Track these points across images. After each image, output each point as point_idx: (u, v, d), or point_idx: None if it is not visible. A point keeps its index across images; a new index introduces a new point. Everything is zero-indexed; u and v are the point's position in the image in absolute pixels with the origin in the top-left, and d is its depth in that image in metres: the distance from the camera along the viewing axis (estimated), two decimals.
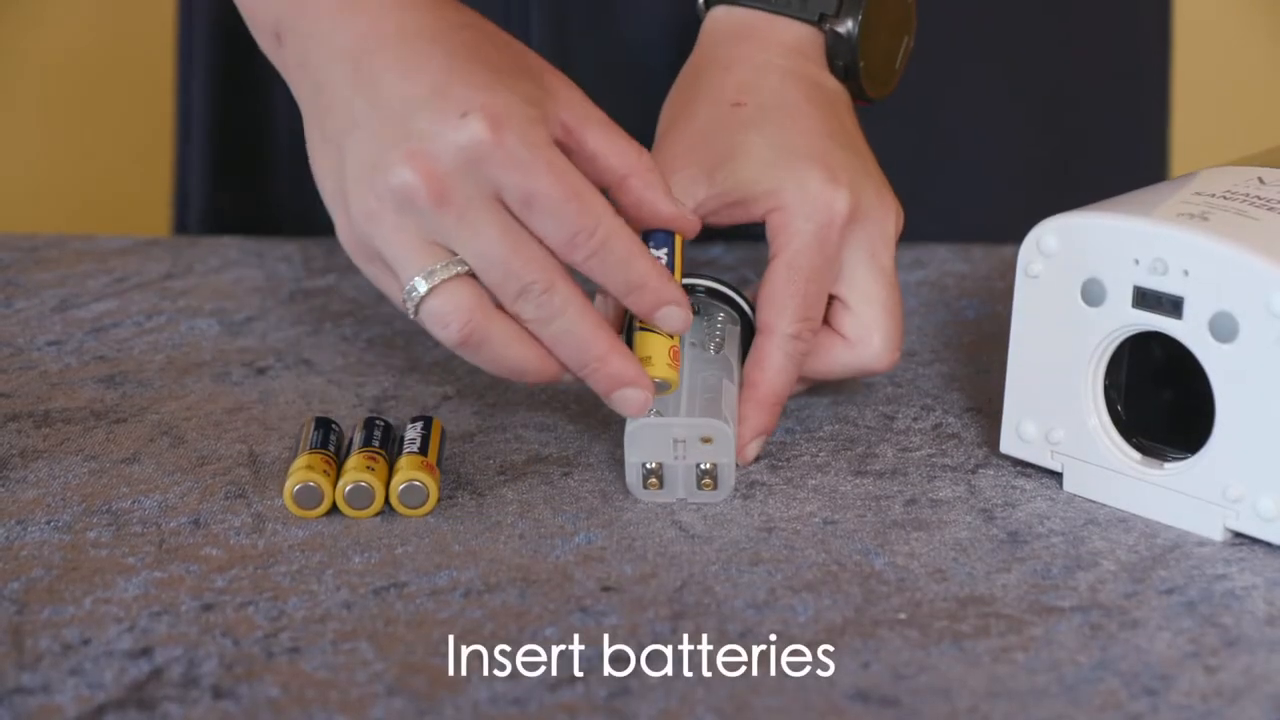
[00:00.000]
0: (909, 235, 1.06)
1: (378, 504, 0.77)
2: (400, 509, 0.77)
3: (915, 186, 1.09)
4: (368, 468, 0.77)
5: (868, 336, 0.83)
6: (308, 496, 0.77)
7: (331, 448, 0.80)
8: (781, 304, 0.81)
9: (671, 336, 0.79)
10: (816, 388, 0.89)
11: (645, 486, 0.79)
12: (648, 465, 0.78)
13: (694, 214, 0.81)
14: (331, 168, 0.77)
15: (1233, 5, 2.08)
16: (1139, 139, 1.17)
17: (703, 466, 0.78)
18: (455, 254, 0.75)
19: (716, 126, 0.84)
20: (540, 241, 0.75)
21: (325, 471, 0.77)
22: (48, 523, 0.77)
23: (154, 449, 0.83)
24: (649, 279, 0.77)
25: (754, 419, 0.81)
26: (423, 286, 0.75)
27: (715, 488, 0.79)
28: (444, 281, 0.75)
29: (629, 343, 0.79)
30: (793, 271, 0.82)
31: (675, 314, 0.78)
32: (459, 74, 0.75)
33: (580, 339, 0.76)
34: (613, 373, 0.77)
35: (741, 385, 0.82)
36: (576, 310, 0.76)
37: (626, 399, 0.77)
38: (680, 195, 0.83)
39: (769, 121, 0.84)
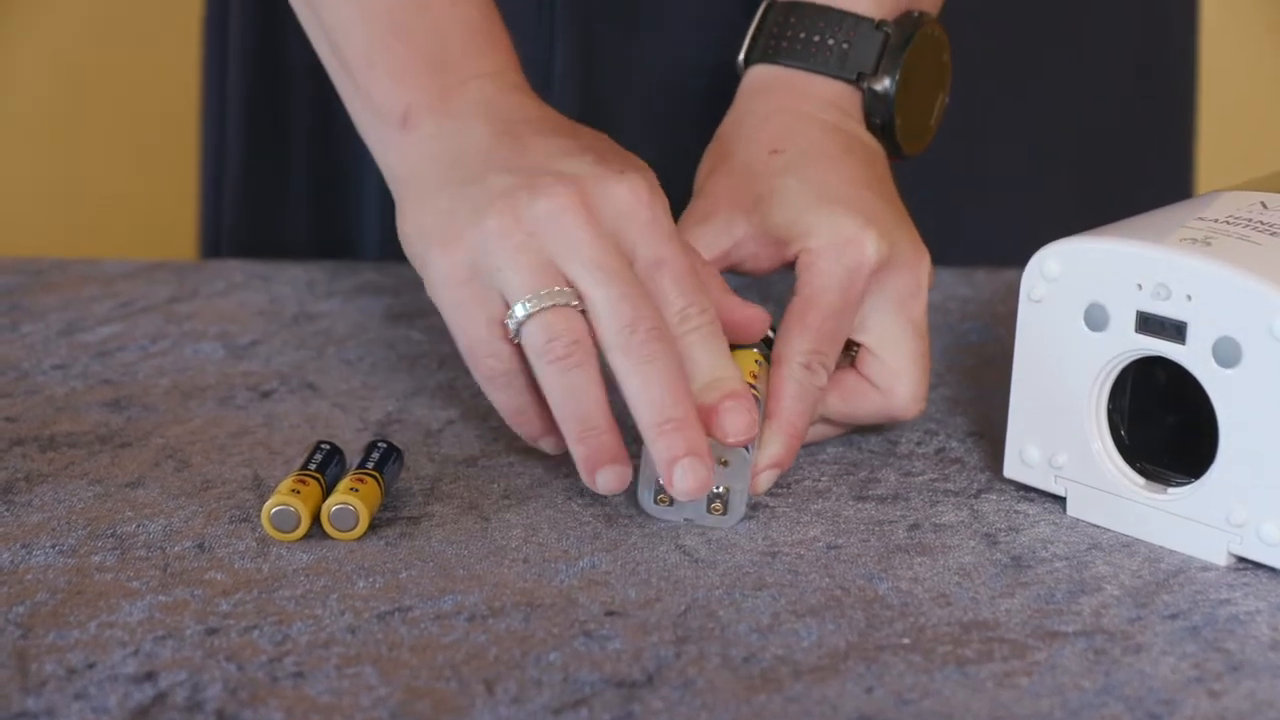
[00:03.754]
0: (943, 260, 1.06)
1: (361, 525, 0.77)
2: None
3: (943, 215, 1.10)
4: (351, 489, 0.78)
5: (894, 385, 0.84)
6: (284, 520, 0.77)
7: (314, 467, 0.80)
8: (796, 336, 0.82)
9: (755, 356, 0.81)
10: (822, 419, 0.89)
11: (655, 502, 0.79)
12: (661, 479, 0.78)
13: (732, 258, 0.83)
14: (447, 206, 0.79)
15: (1259, 30, 2.08)
16: (1164, 167, 1.17)
17: (715, 489, 0.78)
18: (571, 288, 0.76)
19: (754, 171, 0.85)
20: None
21: (295, 491, 0.77)
22: (52, 546, 0.77)
23: (159, 473, 0.83)
24: (728, 376, 0.77)
25: (769, 449, 0.81)
26: (533, 305, 0.76)
27: (724, 513, 0.79)
28: (558, 306, 0.76)
29: None
30: (810, 307, 0.82)
31: (737, 410, 0.76)
32: (609, 147, 0.80)
33: (671, 388, 0.75)
34: (688, 440, 0.75)
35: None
36: (674, 361, 0.76)
37: (686, 470, 0.75)
38: (719, 236, 0.84)
39: (807, 167, 0.85)
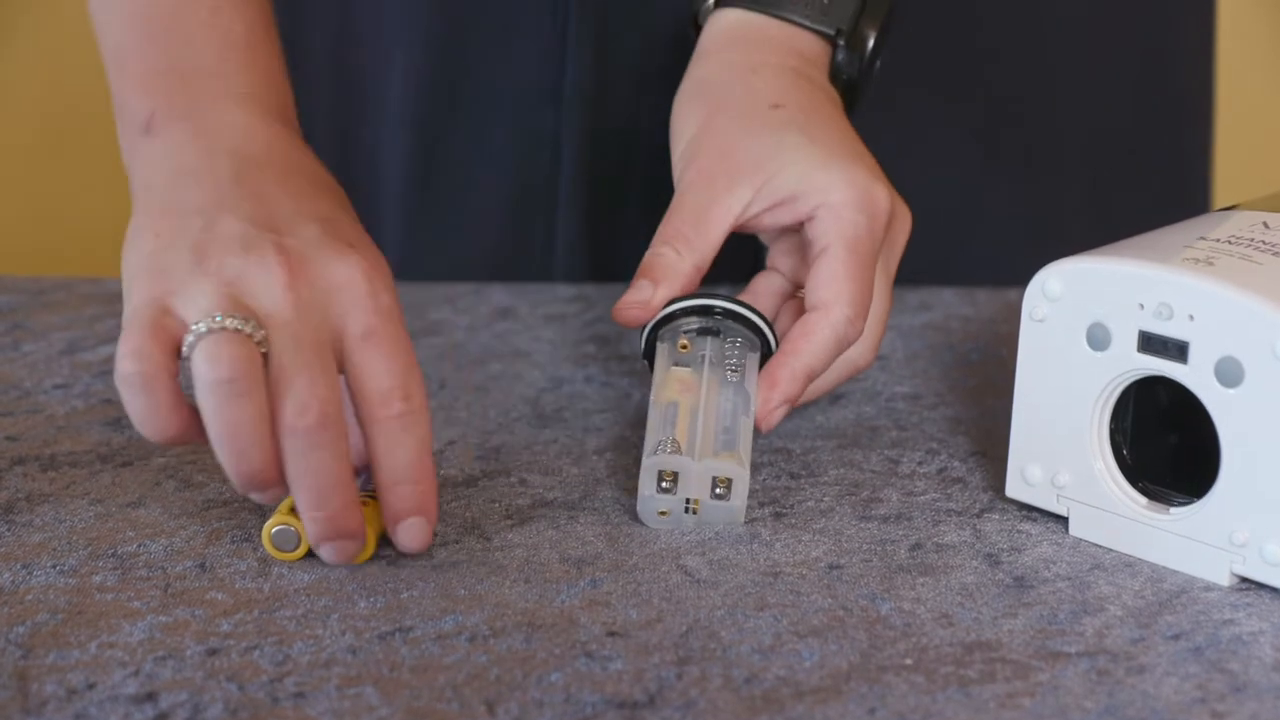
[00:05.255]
0: (950, 278, 1.06)
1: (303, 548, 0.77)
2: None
3: (946, 233, 1.10)
4: (294, 509, 0.77)
5: (862, 337, 0.85)
6: (285, 539, 0.77)
7: None
8: (841, 285, 0.82)
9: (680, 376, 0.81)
10: (823, 432, 0.89)
11: (658, 515, 0.80)
12: (664, 483, 0.79)
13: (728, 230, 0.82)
14: (167, 235, 0.75)
15: (1274, 45, 2.08)
16: (1176, 185, 1.17)
17: (718, 491, 0.79)
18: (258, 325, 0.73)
19: (756, 128, 0.85)
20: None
21: (296, 510, 0.77)
22: (53, 567, 0.77)
23: (160, 493, 0.83)
24: (417, 479, 0.74)
25: (786, 386, 0.82)
26: (208, 326, 0.72)
27: (729, 498, 0.79)
28: (236, 332, 0.72)
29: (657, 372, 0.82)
30: (853, 255, 0.82)
31: (418, 526, 0.75)
32: (346, 216, 0.77)
33: (328, 483, 0.73)
34: (337, 528, 0.74)
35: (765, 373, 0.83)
36: (337, 453, 0.72)
37: (336, 550, 0.75)
38: (727, 205, 0.83)
39: (809, 123, 0.85)
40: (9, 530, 0.80)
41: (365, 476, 0.80)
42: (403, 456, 0.74)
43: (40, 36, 2.02)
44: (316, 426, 0.72)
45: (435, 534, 0.78)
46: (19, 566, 0.77)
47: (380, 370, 0.74)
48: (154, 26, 0.81)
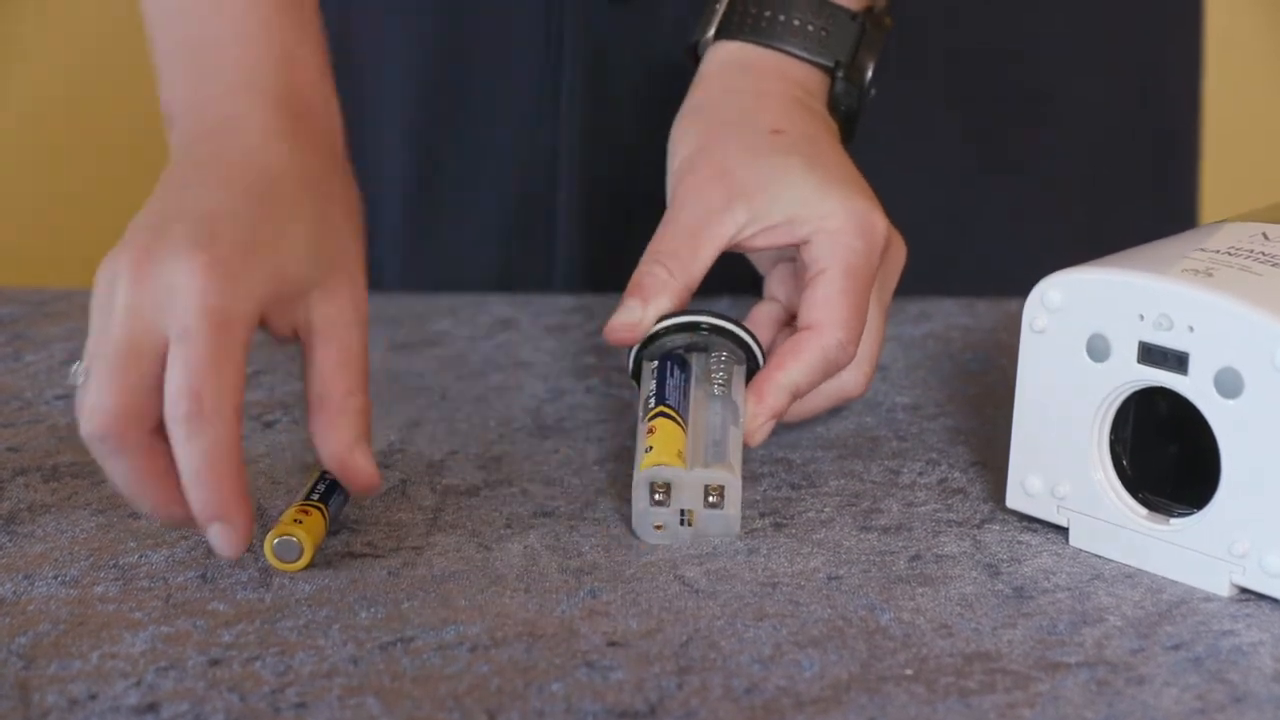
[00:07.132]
0: (944, 289, 1.06)
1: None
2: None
3: (946, 244, 1.10)
4: (296, 520, 0.77)
5: (856, 365, 0.85)
6: (286, 550, 0.77)
7: (317, 498, 0.80)
8: (835, 308, 0.82)
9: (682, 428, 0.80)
10: (824, 442, 0.89)
11: (654, 528, 0.79)
12: (656, 496, 0.79)
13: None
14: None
15: (1261, 60, 2.08)
16: (1168, 197, 1.18)
17: (710, 499, 0.79)
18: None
19: (757, 151, 0.85)
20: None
21: (297, 521, 0.77)
22: (55, 577, 0.77)
23: None
24: (215, 482, 0.72)
25: (771, 400, 0.82)
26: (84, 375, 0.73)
27: (722, 505, 0.79)
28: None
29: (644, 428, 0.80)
30: (850, 279, 0.83)
31: (216, 532, 0.73)
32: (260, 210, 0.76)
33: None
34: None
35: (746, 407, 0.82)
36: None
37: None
38: (723, 223, 0.83)
39: (811, 150, 0.85)
40: (11, 541, 0.80)
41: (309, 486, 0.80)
42: (189, 461, 0.72)
43: (42, 47, 2.02)
44: (98, 436, 0.72)
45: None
46: (21, 577, 0.77)
47: (174, 374, 0.72)
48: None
